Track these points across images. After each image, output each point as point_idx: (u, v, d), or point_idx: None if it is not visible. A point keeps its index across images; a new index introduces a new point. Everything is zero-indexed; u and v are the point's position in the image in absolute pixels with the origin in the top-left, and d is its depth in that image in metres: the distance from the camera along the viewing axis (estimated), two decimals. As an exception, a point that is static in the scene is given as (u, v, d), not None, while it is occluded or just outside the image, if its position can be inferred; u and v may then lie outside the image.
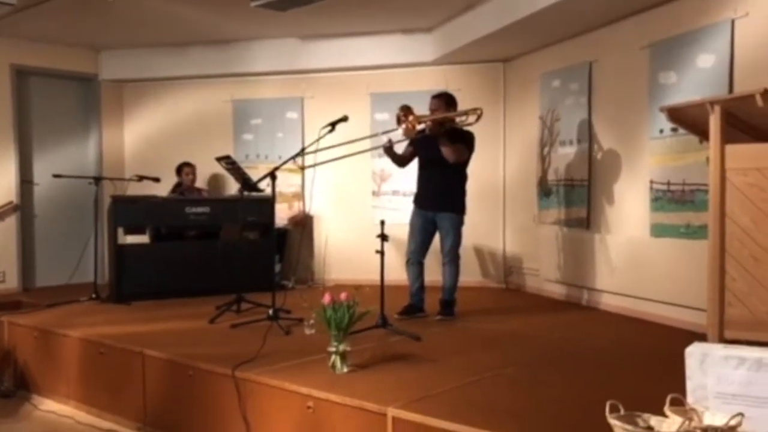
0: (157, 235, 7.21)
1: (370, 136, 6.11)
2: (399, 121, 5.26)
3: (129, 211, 6.65)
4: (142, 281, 6.52)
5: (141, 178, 6.82)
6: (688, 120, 3.82)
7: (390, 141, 5.37)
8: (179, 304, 6.19)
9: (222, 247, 6.70)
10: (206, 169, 7.76)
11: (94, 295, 6.39)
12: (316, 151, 5.04)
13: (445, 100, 5.51)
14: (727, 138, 3.39)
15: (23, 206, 7.64)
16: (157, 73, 8.22)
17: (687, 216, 5.01)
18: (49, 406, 4.88)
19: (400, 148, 5.59)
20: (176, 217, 6.83)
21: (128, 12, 6.65)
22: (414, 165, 5.68)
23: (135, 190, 7.09)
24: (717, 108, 3.38)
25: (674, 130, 5.02)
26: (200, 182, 7.95)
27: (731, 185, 3.36)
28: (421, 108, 5.47)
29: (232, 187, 7.88)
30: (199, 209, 6.85)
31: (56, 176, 6.77)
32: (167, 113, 8.43)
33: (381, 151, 5.67)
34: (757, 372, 2.35)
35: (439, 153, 5.31)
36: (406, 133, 5.27)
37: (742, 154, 3.37)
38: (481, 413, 2.97)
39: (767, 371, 2.33)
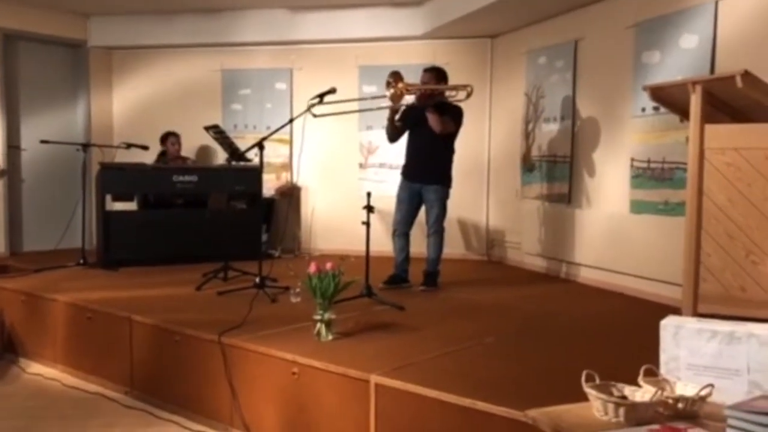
0: (144, 203, 7.22)
1: (359, 99, 6.11)
2: (388, 86, 5.27)
3: (117, 178, 6.65)
4: (129, 247, 6.54)
5: (129, 145, 6.78)
6: (669, 99, 3.86)
7: (398, 106, 5.40)
8: (166, 270, 6.23)
9: (209, 215, 6.73)
10: (194, 137, 7.75)
11: (81, 261, 6.41)
12: (308, 111, 5.04)
13: (436, 74, 5.53)
14: (707, 118, 3.43)
15: (10, 171, 7.61)
16: (146, 40, 8.15)
17: (665, 193, 5.10)
18: (36, 369, 4.92)
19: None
20: (164, 185, 6.84)
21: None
22: (402, 139, 5.72)
23: (123, 157, 7.07)
24: (698, 88, 3.41)
25: (656, 108, 5.09)
26: (189, 152, 7.94)
27: (709, 164, 3.41)
28: (410, 80, 5.50)
29: (220, 158, 7.88)
30: (187, 178, 6.85)
31: (44, 142, 6.74)
32: (156, 81, 8.38)
33: (369, 123, 5.71)
34: (728, 345, 2.41)
35: (428, 126, 5.35)
36: (394, 98, 5.28)
37: (720, 134, 3.41)
38: (461, 381, 3.04)
39: (738, 344, 2.39)
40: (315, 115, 4.81)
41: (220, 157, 7.74)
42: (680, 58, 4.98)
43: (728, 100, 3.52)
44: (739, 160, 3.33)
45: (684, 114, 3.72)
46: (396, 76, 5.27)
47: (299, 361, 3.43)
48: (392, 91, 5.24)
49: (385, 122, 5.61)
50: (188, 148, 7.91)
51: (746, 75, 3.18)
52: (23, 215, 7.83)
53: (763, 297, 3.19)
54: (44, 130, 7.61)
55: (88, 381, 4.61)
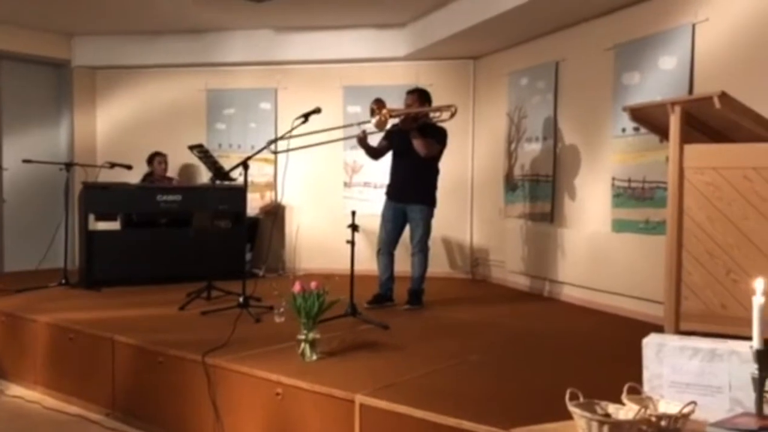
0: (128, 222, 7.17)
1: (344, 126, 6.17)
2: (372, 113, 5.34)
3: (100, 197, 6.62)
4: (112, 267, 6.50)
5: (113, 165, 6.77)
6: (649, 120, 3.92)
7: (364, 132, 5.45)
8: (149, 290, 6.19)
9: (193, 234, 6.71)
10: (178, 157, 7.74)
11: (63, 281, 6.36)
12: (289, 146, 5.08)
13: (419, 96, 5.58)
14: (686, 138, 3.49)
15: (-8, 191, 7.58)
16: (131, 60, 8.17)
17: (646, 212, 5.16)
18: (16, 392, 4.84)
19: (374, 140, 5.65)
20: (147, 205, 6.81)
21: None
22: (386, 157, 5.75)
23: (106, 177, 7.03)
24: (677, 109, 3.47)
25: (636, 129, 5.16)
26: (173, 171, 7.93)
27: (689, 183, 3.46)
28: (393, 102, 5.54)
29: (205, 177, 7.87)
30: (171, 197, 6.84)
31: (26, 161, 6.70)
32: (140, 101, 8.38)
33: (353, 142, 5.74)
34: (710, 362, 2.43)
35: (411, 146, 5.39)
36: (379, 125, 5.34)
37: (699, 153, 3.47)
38: (446, 400, 3.04)
39: (720, 362, 2.41)
40: (275, 152, 4.85)
41: (205, 176, 7.73)
42: (659, 79, 5.05)
43: (706, 120, 3.58)
44: (718, 179, 3.39)
45: (663, 134, 3.78)
46: (379, 103, 5.33)
47: (283, 382, 3.41)
48: (377, 118, 5.30)
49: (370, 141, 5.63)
50: (173, 168, 7.89)
51: (723, 96, 3.25)
52: (4, 235, 7.76)
53: (744, 314, 3.22)
54: (27, 149, 7.56)
55: (69, 403, 4.55)
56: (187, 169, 8.18)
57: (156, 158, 7.58)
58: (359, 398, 3.11)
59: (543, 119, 6.42)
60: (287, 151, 5.20)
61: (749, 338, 2.21)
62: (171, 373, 3.99)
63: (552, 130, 6.29)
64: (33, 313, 5.06)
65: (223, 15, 7.14)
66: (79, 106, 8.32)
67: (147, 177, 7.59)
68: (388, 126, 5.43)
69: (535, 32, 6.40)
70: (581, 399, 2.34)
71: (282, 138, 5.08)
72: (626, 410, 2.30)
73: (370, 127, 5.40)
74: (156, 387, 4.07)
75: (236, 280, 5.26)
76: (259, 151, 5.43)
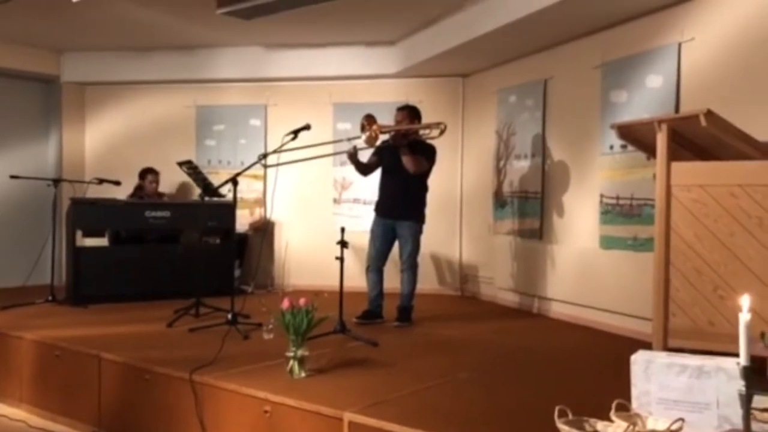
0: (116, 239, 7.14)
1: (334, 142, 6.18)
2: (363, 129, 5.36)
3: (88, 213, 6.59)
4: (100, 284, 6.46)
5: (101, 181, 6.74)
6: (636, 137, 3.95)
7: (354, 148, 5.46)
8: (137, 307, 6.15)
9: (182, 251, 6.68)
10: (167, 173, 7.72)
11: (50, 297, 6.31)
12: (279, 161, 5.09)
13: (409, 113, 5.61)
14: (673, 155, 3.52)
15: (-22, 207, 7.52)
16: (120, 76, 8.17)
17: (634, 229, 5.19)
18: (1, 410, 4.77)
19: (364, 156, 5.67)
20: (136, 221, 6.78)
21: (92, 15, 6.60)
22: (375, 174, 5.76)
23: (95, 192, 7.01)
24: (664, 126, 3.50)
25: (624, 146, 5.19)
26: (166, 188, 7.90)
27: (676, 201, 3.48)
28: (383, 119, 5.56)
29: (196, 193, 7.84)
30: (160, 213, 6.82)
31: (13, 177, 6.67)
32: (129, 117, 8.37)
33: (343, 159, 5.75)
34: (698, 379, 2.45)
35: (401, 163, 5.41)
36: (369, 141, 5.36)
37: (686, 171, 3.49)
38: (435, 417, 3.03)
39: (707, 378, 2.43)
40: (265, 166, 4.86)
41: (197, 192, 7.72)
42: (646, 97, 5.10)
43: (693, 138, 3.61)
44: (704, 196, 3.41)
45: (650, 152, 3.81)
46: (370, 119, 5.35)
47: (271, 399, 3.40)
48: (367, 134, 5.32)
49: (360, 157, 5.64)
50: (164, 184, 7.86)
51: (709, 114, 3.28)
52: (-10, 251, 7.71)
53: (731, 331, 3.23)
54: (14, 164, 7.52)
55: (55, 421, 4.51)
56: (180, 186, 8.15)
57: (148, 176, 7.55)
58: (348, 416, 3.10)
59: (531, 136, 6.45)
60: (278, 165, 5.20)
61: (736, 355, 2.22)
62: (158, 390, 3.96)
63: (540, 147, 6.32)
64: (19, 330, 5.01)
65: (212, 32, 7.16)
66: (67, 122, 8.31)
67: (137, 191, 7.56)
68: (378, 142, 5.45)
69: (524, 50, 6.45)
70: (570, 416, 2.35)
71: (273, 152, 5.08)
72: (615, 427, 2.31)
73: (360, 143, 5.42)
74: (143, 404, 4.04)
75: (225, 296, 5.25)
76: (249, 167, 5.43)
